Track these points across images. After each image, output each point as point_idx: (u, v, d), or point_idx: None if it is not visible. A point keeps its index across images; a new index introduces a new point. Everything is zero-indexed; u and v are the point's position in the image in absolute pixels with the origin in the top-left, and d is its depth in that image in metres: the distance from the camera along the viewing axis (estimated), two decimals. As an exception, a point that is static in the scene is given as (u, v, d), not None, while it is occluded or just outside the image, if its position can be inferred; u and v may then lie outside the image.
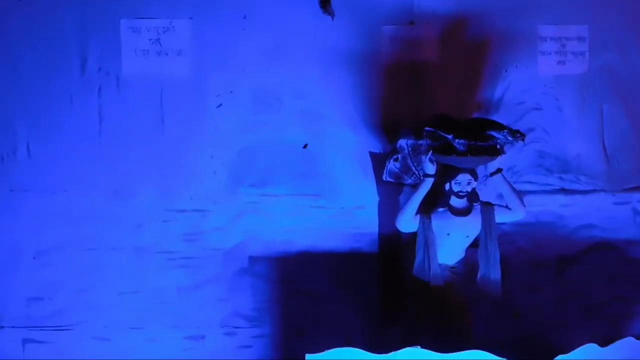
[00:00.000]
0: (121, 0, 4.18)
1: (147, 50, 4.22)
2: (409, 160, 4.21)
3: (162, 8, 4.22)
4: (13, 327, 4.21)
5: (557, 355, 3.65)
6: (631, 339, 3.77)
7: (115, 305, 4.24)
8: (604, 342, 3.76)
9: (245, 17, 4.29)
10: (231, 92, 4.33)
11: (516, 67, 4.39)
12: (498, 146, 3.98)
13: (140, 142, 4.26)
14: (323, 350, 3.62)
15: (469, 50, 4.39)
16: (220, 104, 4.33)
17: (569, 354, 3.64)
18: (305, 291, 4.32)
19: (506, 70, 4.43)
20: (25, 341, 4.21)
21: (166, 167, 4.29)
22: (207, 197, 4.32)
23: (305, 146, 4.40)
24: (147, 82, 4.25)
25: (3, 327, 4.20)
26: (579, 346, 3.69)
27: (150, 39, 4.21)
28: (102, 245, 4.24)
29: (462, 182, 4.02)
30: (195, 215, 4.33)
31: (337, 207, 4.38)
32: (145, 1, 4.20)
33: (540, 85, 4.45)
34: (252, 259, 4.35)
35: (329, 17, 4.31)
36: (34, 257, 4.24)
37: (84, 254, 4.24)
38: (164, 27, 4.22)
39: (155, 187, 4.29)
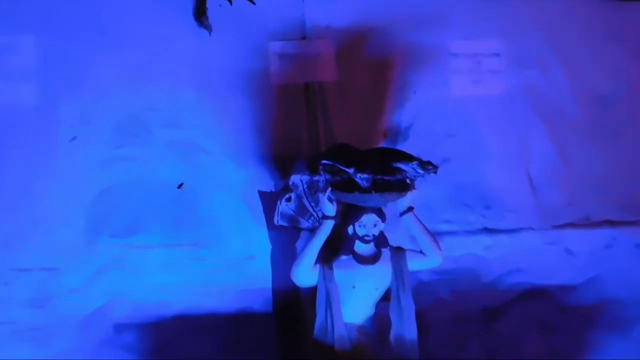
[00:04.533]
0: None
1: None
2: (304, 200, 4.15)
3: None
4: None
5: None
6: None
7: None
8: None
9: (103, 34, 4.21)
10: (88, 121, 4.24)
11: (418, 88, 4.46)
12: (408, 180, 3.96)
13: (-27, 185, 4.16)
14: None
15: (371, 69, 4.43)
16: (75, 137, 4.21)
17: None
18: (185, 363, 4.26)
19: (414, 92, 4.46)
20: None
21: (6, 215, 4.18)
22: (58, 251, 4.20)
23: (180, 186, 4.29)
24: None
25: None
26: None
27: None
28: None
29: (367, 224, 3.95)
30: (43, 275, 4.19)
31: (221, 258, 4.28)
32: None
33: (454, 108, 4.49)
34: (118, 327, 4.24)
35: (206, 32, 4.27)
36: None
37: None
38: (2, 45, 4.16)
39: (-8, 241, 4.17)
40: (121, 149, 4.21)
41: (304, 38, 4.36)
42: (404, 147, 4.26)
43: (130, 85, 4.22)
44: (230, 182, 4.29)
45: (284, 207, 4.15)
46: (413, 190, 3.94)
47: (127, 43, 4.22)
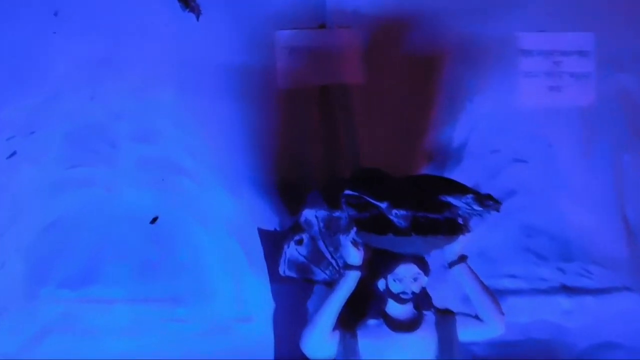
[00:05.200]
0: None
1: None
2: (320, 243, 3.79)
3: None
4: None
5: None
6: None
7: None
8: None
9: (56, 14, 3.84)
10: (32, 132, 3.87)
11: (486, 96, 4.12)
12: (460, 220, 3.61)
13: None
14: None
15: (410, 69, 4.11)
16: (14, 152, 3.84)
17: None
18: None
19: (470, 101, 4.10)
20: None
21: None
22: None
23: (153, 220, 3.88)
24: None
25: None
26: None
27: None
28: None
29: (404, 278, 3.58)
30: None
31: (206, 319, 3.94)
32: None
33: (523, 123, 4.13)
34: (67, 407, 4.07)
35: (193, 16, 3.88)
36: None
37: None
38: None
39: None
40: (75, 169, 3.90)
41: (322, 26, 4.07)
42: (455, 174, 4.02)
43: (91, 84, 3.90)
44: (219, 216, 4.00)
45: (293, 252, 3.83)
46: (466, 233, 3.61)
47: (87, 28, 3.89)
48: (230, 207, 3.99)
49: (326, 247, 3.82)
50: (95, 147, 3.91)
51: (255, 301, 3.99)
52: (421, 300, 3.66)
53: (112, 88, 3.91)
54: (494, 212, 3.62)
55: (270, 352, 3.98)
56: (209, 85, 3.97)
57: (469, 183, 3.71)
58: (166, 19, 3.94)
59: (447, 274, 3.78)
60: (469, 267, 3.70)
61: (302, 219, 3.81)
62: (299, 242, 3.83)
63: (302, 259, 3.86)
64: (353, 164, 4.06)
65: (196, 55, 3.96)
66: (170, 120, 3.95)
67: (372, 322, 3.65)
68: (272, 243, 3.98)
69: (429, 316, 3.69)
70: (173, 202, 3.95)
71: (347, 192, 3.60)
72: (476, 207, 3.58)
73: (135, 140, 3.93)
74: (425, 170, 4.12)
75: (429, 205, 3.56)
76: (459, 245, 3.64)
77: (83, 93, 3.89)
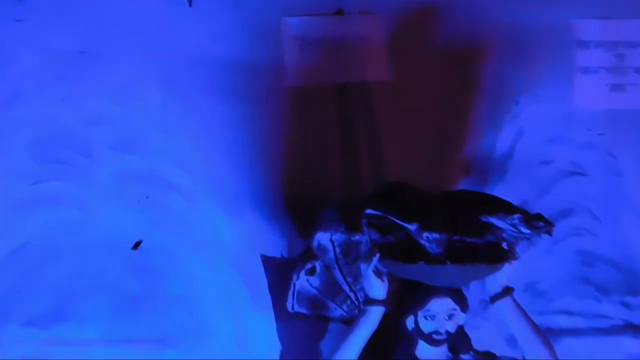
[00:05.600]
0: None
1: None
2: (336, 272, 3.48)
3: None
4: None
5: None
6: None
7: None
8: None
9: (21, 2, 3.54)
10: None
11: (535, 96, 3.78)
12: (504, 245, 3.35)
13: None
14: None
15: (444, 65, 3.76)
16: None
17: None
18: None
19: (517, 103, 3.73)
20: None
21: None
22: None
23: (136, 245, 3.54)
24: None
25: None
26: None
27: None
28: None
29: (438, 315, 3.30)
30: None
31: None
32: None
33: (581, 128, 3.78)
34: None
35: (186, 3, 3.53)
36: None
37: None
38: None
39: None
40: (42, 184, 3.59)
41: (339, 12, 3.74)
42: (498, 190, 3.73)
43: (61, 82, 3.57)
44: (216, 241, 3.68)
45: (304, 283, 3.54)
46: (512, 261, 3.29)
47: (58, 16, 3.59)
48: (228, 230, 3.76)
49: (343, 277, 3.56)
50: (67, 158, 3.67)
51: (258, 343, 3.75)
52: (458, 341, 3.43)
53: (87, 87, 3.63)
54: (545, 236, 3.37)
55: (277, 402, 4.06)
56: (204, 84, 3.71)
57: (515, 201, 3.47)
58: (153, 4, 3.67)
59: (488, 310, 3.62)
60: (515, 302, 3.40)
61: (315, 243, 3.54)
62: (311, 272, 3.58)
63: (314, 291, 3.61)
64: (376, 178, 3.83)
65: (188, 48, 3.69)
66: (156, 125, 3.69)
67: (399, 367, 3.78)
68: (278, 273, 3.74)
69: (468, 360, 3.79)
70: (160, 224, 3.71)
71: (369, 211, 3.37)
72: (524, 230, 3.33)
73: (115, 149, 3.68)
74: (462, 185, 3.87)
75: (467, 228, 3.32)
76: (503, 275, 3.36)
77: (52, 93, 3.64)
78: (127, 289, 3.68)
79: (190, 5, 3.74)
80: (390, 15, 3.90)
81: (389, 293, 3.40)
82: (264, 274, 3.72)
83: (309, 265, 3.58)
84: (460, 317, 3.38)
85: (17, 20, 3.70)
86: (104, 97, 3.71)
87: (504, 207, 3.36)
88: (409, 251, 3.31)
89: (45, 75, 3.70)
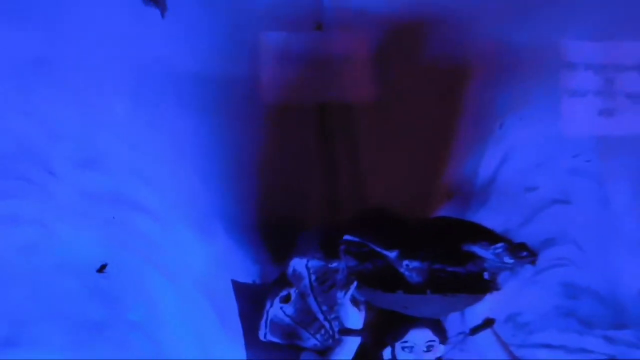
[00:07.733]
0: None
1: None
2: (311, 301, 3.43)
3: None
4: None
5: None
6: None
7: None
8: None
9: None
10: None
11: (521, 119, 3.70)
12: (486, 275, 3.25)
13: None
14: None
15: (429, 84, 3.65)
16: None
17: None
18: None
19: (501, 126, 3.66)
20: None
21: None
22: None
23: (102, 268, 3.43)
24: None
25: None
26: None
27: None
28: None
29: (416, 346, 3.23)
30: None
31: None
32: None
33: (567, 155, 3.71)
34: None
35: (157, 11, 3.44)
36: None
37: None
38: None
39: None
40: (1, 202, 3.38)
41: (319, 28, 3.62)
42: (480, 216, 3.67)
43: (21, 93, 3.40)
44: (185, 265, 3.54)
45: (277, 311, 3.46)
46: (494, 292, 3.20)
47: (18, 21, 3.40)
48: (198, 253, 3.64)
49: (318, 305, 3.49)
50: (27, 175, 3.52)
51: (229, 372, 3.74)
52: (436, 374, 3.69)
53: (49, 99, 3.49)
54: (528, 266, 3.26)
55: None
56: (175, 98, 3.58)
57: (498, 228, 3.33)
58: (123, 13, 3.54)
59: (468, 342, 3.41)
60: (496, 334, 3.31)
61: (290, 270, 3.48)
62: (285, 299, 3.50)
63: (288, 320, 3.53)
64: (355, 202, 3.74)
65: (159, 60, 3.58)
66: (123, 141, 3.57)
67: (376, 403, 3.68)
68: (250, 300, 3.63)
69: (446, 397, 3.62)
70: (126, 246, 3.57)
71: (347, 237, 3.29)
72: (507, 259, 3.23)
73: (79, 166, 3.54)
74: (444, 211, 3.77)
75: (449, 256, 3.22)
76: (484, 306, 3.25)
77: (12, 105, 3.50)
78: (88, 313, 3.55)
79: (162, 17, 3.64)
80: (372, 32, 3.81)
81: (366, 323, 3.33)
82: (234, 301, 3.61)
83: (283, 293, 3.50)
84: (439, 349, 3.31)
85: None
86: (67, 110, 3.59)
87: (487, 236, 3.29)
88: (388, 279, 3.24)
89: (5, 85, 3.52)
